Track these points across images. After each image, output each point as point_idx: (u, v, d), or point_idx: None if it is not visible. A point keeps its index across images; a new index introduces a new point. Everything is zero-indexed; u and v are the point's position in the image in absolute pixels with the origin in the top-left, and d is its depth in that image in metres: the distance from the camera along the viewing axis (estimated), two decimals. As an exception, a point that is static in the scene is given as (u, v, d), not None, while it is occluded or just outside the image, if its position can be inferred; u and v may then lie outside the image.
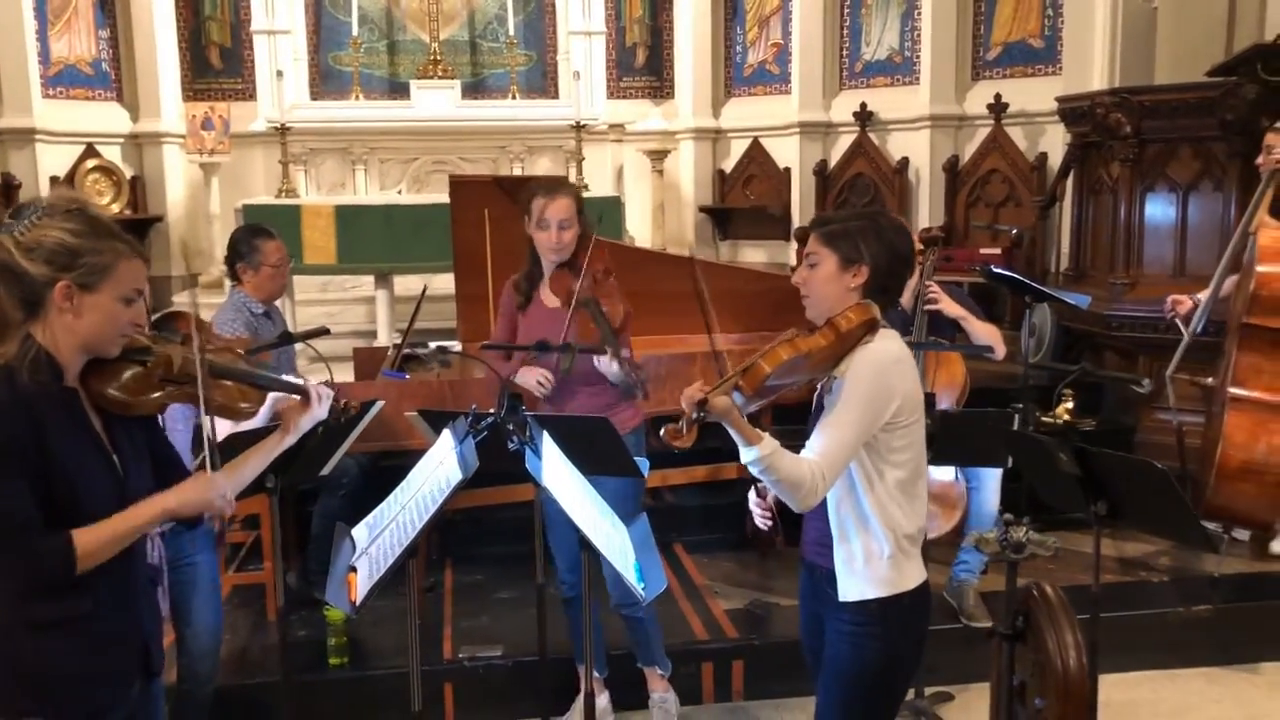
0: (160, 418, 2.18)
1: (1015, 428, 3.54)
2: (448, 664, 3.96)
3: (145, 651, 2.10)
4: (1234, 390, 4.23)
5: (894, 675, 2.47)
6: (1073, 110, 6.04)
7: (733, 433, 2.24)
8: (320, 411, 2.31)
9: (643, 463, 3.11)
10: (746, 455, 2.25)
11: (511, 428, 2.41)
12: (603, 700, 3.80)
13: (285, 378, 2.38)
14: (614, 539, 2.38)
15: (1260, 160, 4.46)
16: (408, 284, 6.59)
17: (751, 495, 2.66)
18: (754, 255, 9.31)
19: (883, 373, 2.32)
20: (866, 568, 2.37)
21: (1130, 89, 5.64)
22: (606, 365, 3.23)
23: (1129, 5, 6.99)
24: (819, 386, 2.49)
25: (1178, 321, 4.45)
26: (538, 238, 3.44)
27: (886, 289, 2.43)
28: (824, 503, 2.37)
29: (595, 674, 3.74)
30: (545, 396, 3.40)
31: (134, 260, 1.99)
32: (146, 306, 2.13)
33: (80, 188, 8.09)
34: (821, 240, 2.43)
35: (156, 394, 2.06)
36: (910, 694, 3.84)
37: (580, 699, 3.63)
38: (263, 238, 4.29)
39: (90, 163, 8.22)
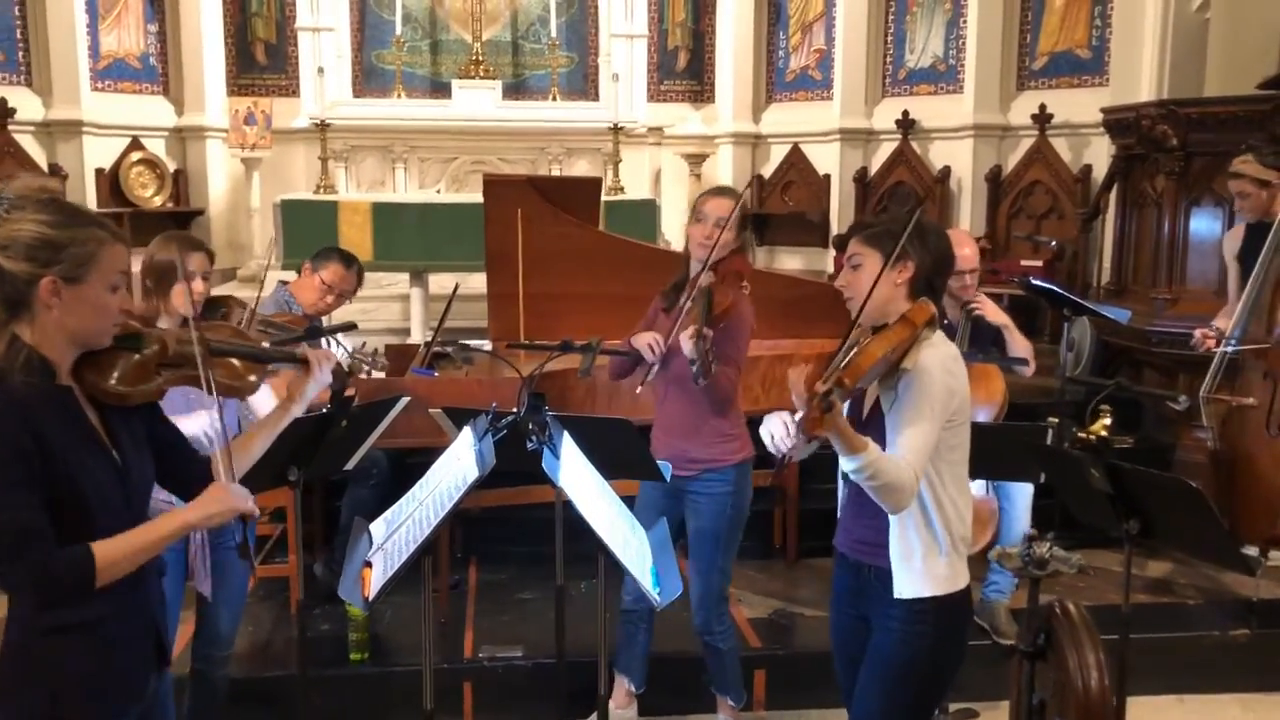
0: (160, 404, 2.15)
1: (1049, 442, 3.47)
2: (468, 662, 3.95)
3: (158, 646, 2.09)
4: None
5: (941, 672, 2.49)
6: (1118, 122, 5.95)
7: (835, 439, 2.21)
8: (324, 377, 2.29)
9: (665, 467, 3.08)
10: (850, 463, 2.24)
11: (531, 427, 2.39)
12: (630, 712, 3.77)
13: (283, 348, 2.35)
14: (631, 544, 2.35)
15: (1237, 205, 4.51)
16: (443, 282, 6.59)
17: (779, 422, 2.55)
18: (791, 262, 9.25)
19: (948, 370, 2.36)
20: (924, 565, 2.38)
21: (1177, 101, 5.55)
22: (685, 339, 3.14)
23: (1180, 16, 6.85)
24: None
25: (1212, 350, 4.40)
26: (690, 232, 3.39)
27: (932, 285, 2.46)
28: (870, 504, 2.36)
29: (629, 685, 3.72)
30: (652, 364, 3.29)
31: (116, 245, 1.93)
32: (130, 289, 2.11)
33: (125, 180, 8.22)
34: (864, 241, 2.47)
35: (154, 381, 2.01)
36: (935, 711, 3.78)
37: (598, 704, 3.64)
38: (339, 259, 4.47)
39: (135, 155, 8.33)
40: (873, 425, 2.40)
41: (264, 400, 3.32)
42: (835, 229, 8.81)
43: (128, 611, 1.98)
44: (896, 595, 2.40)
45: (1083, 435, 4.73)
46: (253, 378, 2.20)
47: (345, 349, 3.43)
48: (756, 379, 4.62)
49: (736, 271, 3.33)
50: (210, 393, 2.01)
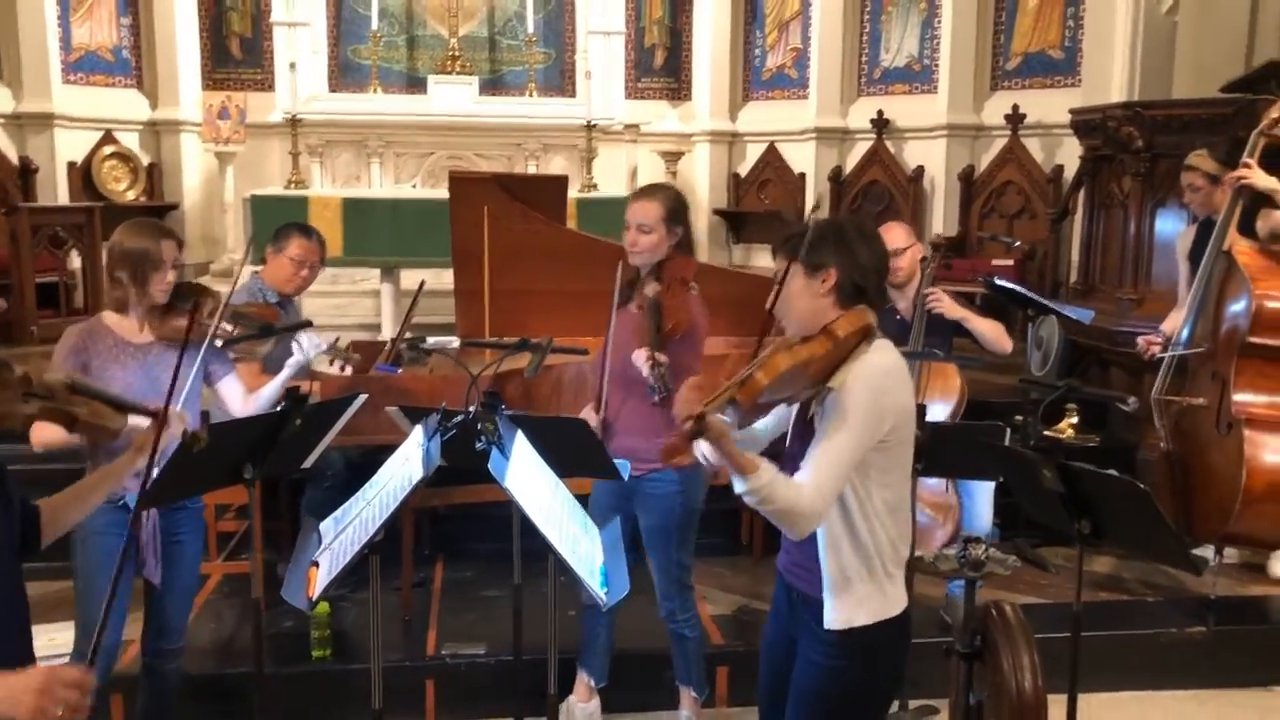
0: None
1: (1006, 442, 3.50)
2: (430, 660, 3.95)
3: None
4: (1244, 413, 4.19)
5: (875, 699, 2.40)
6: (1085, 123, 5.99)
7: (722, 460, 2.10)
8: (174, 430, 2.30)
9: (623, 465, 3.09)
10: (740, 485, 2.12)
11: (480, 427, 2.39)
12: (591, 706, 3.77)
13: (139, 401, 2.36)
14: (581, 543, 2.36)
15: (1186, 199, 4.61)
16: (415, 278, 6.57)
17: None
18: (767, 260, 9.23)
19: (879, 387, 2.20)
20: (856, 592, 2.26)
21: (1142, 103, 5.59)
22: (639, 358, 3.16)
23: (1150, 18, 6.92)
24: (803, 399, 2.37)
25: (1159, 355, 4.47)
26: (625, 238, 3.37)
27: (861, 289, 2.28)
28: None
29: (589, 679, 3.72)
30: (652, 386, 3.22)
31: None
32: None
33: (97, 174, 8.17)
34: (783, 255, 2.31)
35: (22, 408, 1.99)
36: (894, 707, 3.81)
37: (567, 702, 3.65)
38: (298, 232, 4.45)
39: (108, 149, 8.29)
40: (804, 442, 2.27)
41: (234, 392, 3.32)
42: (810, 227, 8.81)
43: None
44: (826, 627, 2.27)
45: (1051, 434, 4.80)
46: (113, 424, 2.20)
47: (304, 347, 3.40)
48: (724, 376, 4.62)
49: (681, 278, 3.30)
50: (72, 431, 2.03)
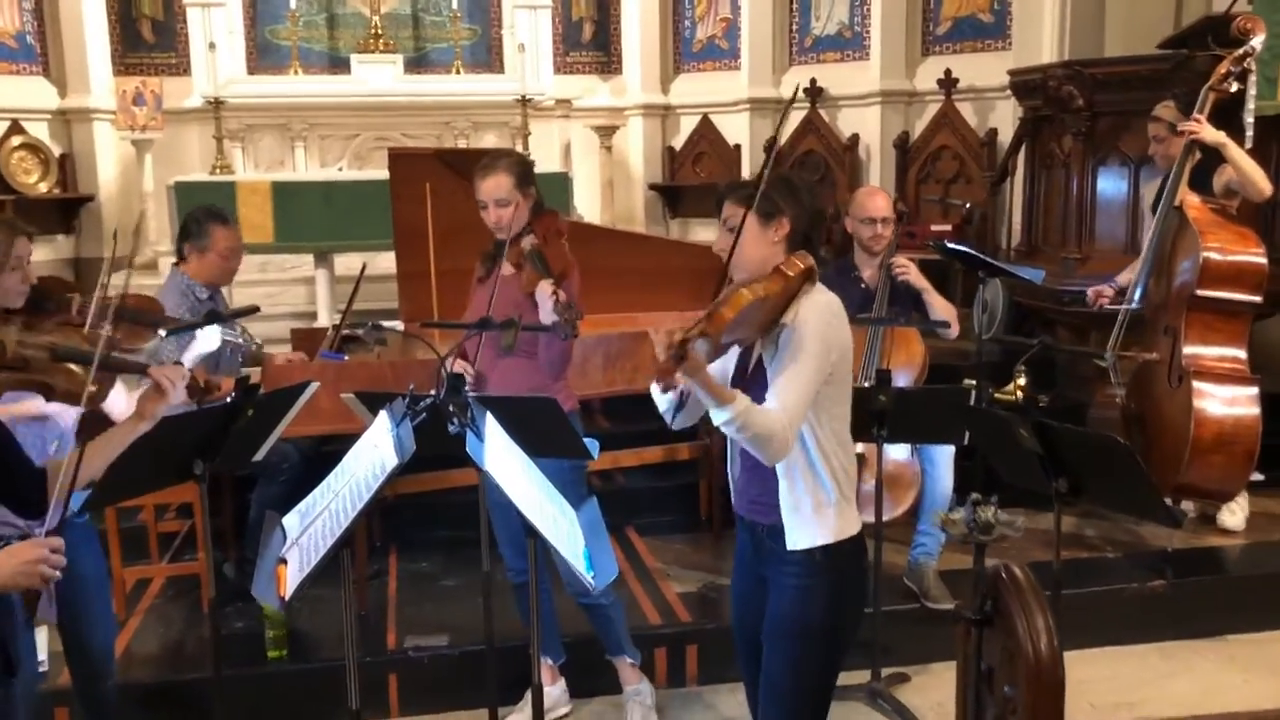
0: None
1: (971, 404, 3.47)
2: (392, 654, 3.83)
3: (4, 656, 1.95)
4: (1193, 365, 4.23)
5: (843, 622, 2.49)
6: (1024, 84, 6.00)
7: (701, 393, 2.23)
8: (176, 396, 2.14)
9: (592, 444, 3.00)
10: (719, 415, 2.24)
11: (452, 409, 2.28)
12: (557, 689, 3.69)
13: (132, 358, 2.19)
14: (561, 525, 2.26)
15: (1151, 150, 4.59)
16: (349, 263, 6.40)
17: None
18: (704, 233, 9.18)
19: (827, 322, 2.36)
20: (815, 515, 2.39)
21: (1082, 61, 5.60)
22: (543, 299, 3.12)
23: (1078, -21, 6.95)
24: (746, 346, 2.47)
25: (1106, 307, 4.48)
26: (483, 217, 3.32)
27: (809, 239, 2.46)
28: (761, 464, 2.37)
29: (549, 661, 3.63)
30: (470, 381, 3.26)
31: None
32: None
33: (6, 166, 7.80)
34: (737, 202, 2.43)
35: None
36: (867, 676, 3.78)
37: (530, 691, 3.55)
38: (217, 223, 4.16)
39: (15, 140, 7.90)
40: (756, 382, 2.40)
41: (119, 403, 3.09)
42: (748, 199, 8.79)
43: None
44: (790, 547, 2.40)
45: (1002, 395, 4.80)
46: (96, 387, 2.03)
47: (239, 339, 3.23)
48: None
49: (556, 230, 3.31)
50: (48, 399, 1.87)
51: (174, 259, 4.36)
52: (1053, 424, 2.65)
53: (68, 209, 8.19)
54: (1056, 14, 7.02)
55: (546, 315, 3.10)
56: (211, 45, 7.82)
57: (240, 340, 3.35)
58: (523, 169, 3.32)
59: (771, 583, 2.49)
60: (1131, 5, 6.52)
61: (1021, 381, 5.28)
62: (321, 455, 4.28)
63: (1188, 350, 4.27)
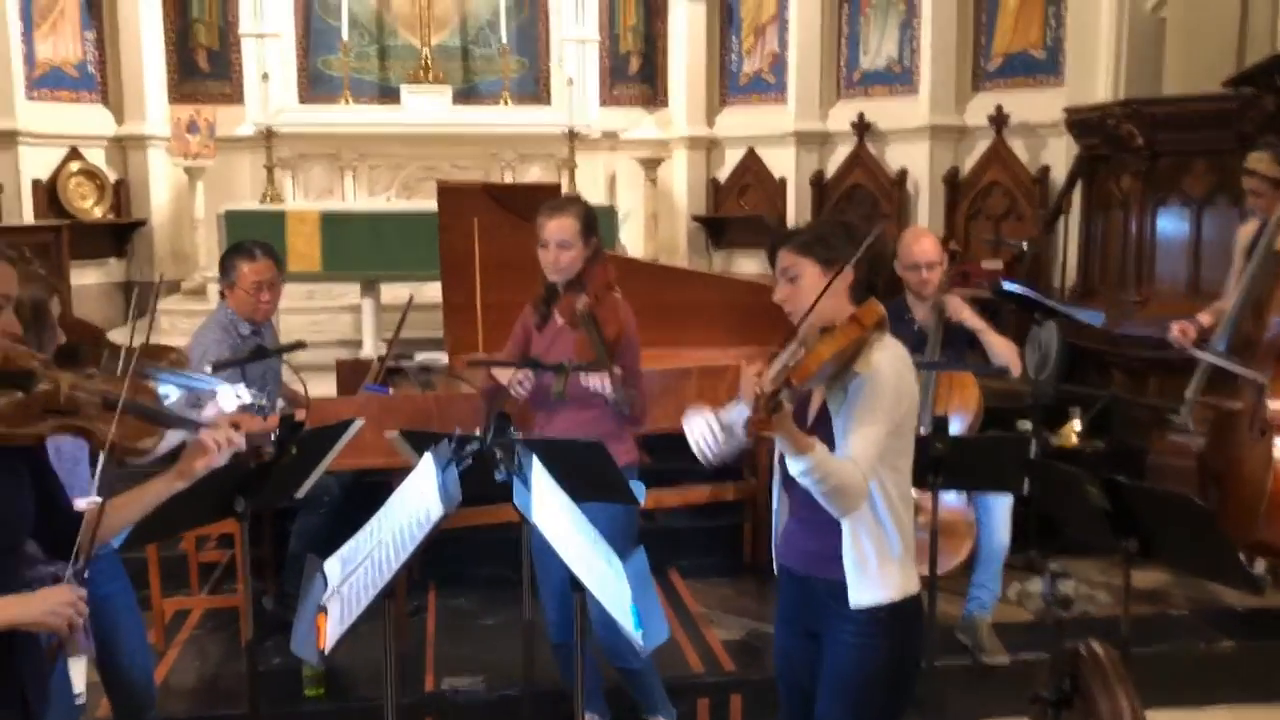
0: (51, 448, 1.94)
1: (1032, 454, 3.35)
2: (428, 695, 3.76)
3: (22, 704, 1.90)
4: (1278, 419, 4.03)
5: (903, 682, 2.43)
6: (1081, 121, 5.89)
7: (783, 443, 2.19)
8: (221, 459, 2.07)
9: (639, 488, 2.92)
10: (797, 465, 2.19)
11: (499, 454, 2.21)
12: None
13: (189, 415, 2.13)
14: (609, 580, 2.18)
15: (1250, 203, 4.30)
16: (395, 293, 6.40)
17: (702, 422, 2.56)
18: (748, 266, 9.13)
19: (900, 372, 2.32)
20: (880, 572, 2.33)
21: (1143, 100, 5.48)
22: (597, 381, 3.12)
23: (1135, 16, 6.83)
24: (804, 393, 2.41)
25: (1188, 348, 4.26)
26: (540, 256, 3.28)
27: (871, 285, 2.42)
28: (821, 514, 2.30)
29: (596, 718, 3.54)
30: (524, 399, 3.26)
31: (2, 265, 1.80)
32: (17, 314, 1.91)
33: (64, 191, 7.92)
34: (796, 251, 2.41)
35: (36, 426, 1.83)
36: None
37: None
38: (242, 258, 4.09)
39: (74, 165, 8.02)
40: (820, 428, 2.34)
41: (227, 404, 3.02)
42: (793, 233, 8.72)
43: None
44: (853, 605, 2.33)
45: (1057, 441, 4.66)
46: (147, 441, 1.97)
47: (411, 360, 3.18)
48: (725, 389, 4.48)
49: (606, 284, 3.27)
50: (102, 450, 1.81)
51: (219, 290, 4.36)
52: (1123, 481, 2.54)
53: (120, 233, 8.29)
54: (1112, 50, 6.90)
55: (610, 394, 3.12)
56: (265, 75, 7.93)
57: (260, 403, 3.18)
58: (590, 216, 3.29)
59: (827, 639, 2.41)
60: (1191, 42, 6.39)
61: (1077, 426, 5.15)
62: (362, 486, 4.25)
63: (1273, 404, 4.08)
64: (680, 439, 2.69)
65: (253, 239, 4.32)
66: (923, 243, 4.13)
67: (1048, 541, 4.61)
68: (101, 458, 1.82)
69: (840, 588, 2.34)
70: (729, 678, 3.89)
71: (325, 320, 7.15)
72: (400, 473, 2.38)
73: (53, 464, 2.03)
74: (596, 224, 3.32)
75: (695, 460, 2.66)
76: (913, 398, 2.38)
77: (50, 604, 1.83)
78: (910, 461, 2.41)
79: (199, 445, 2.07)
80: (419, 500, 2.09)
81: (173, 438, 2.13)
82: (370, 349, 6.39)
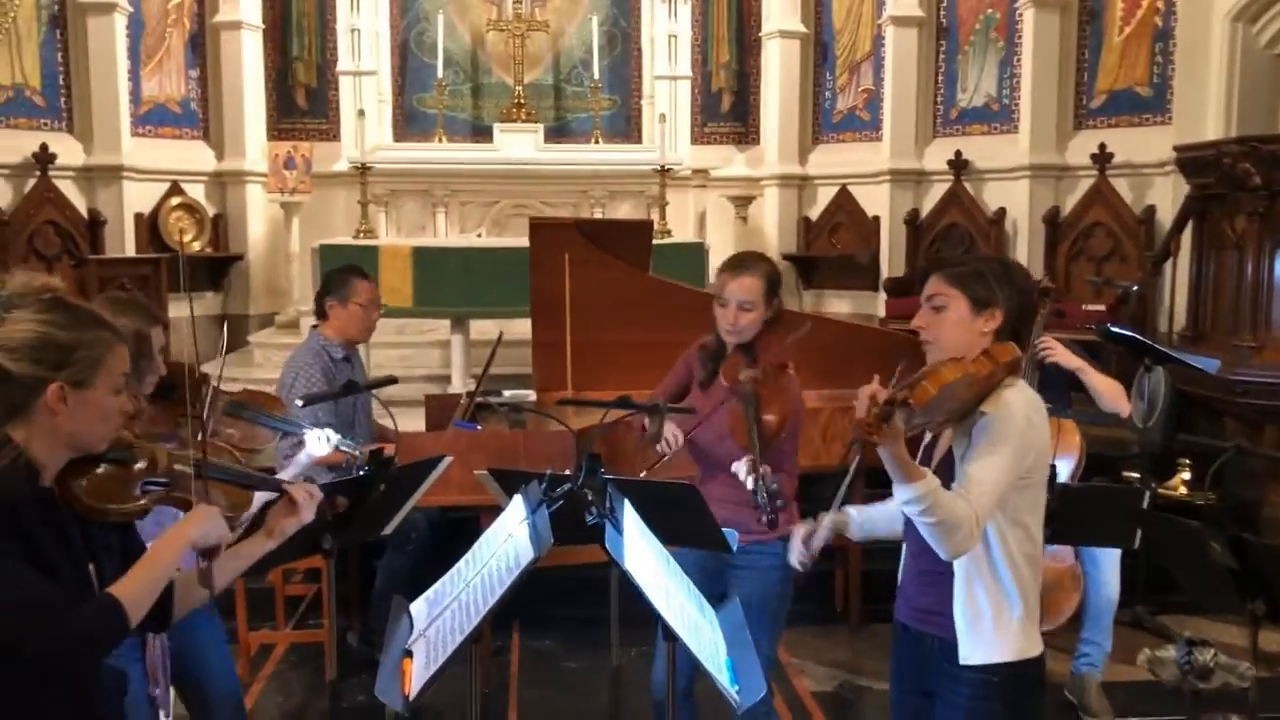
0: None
1: (1145, 506, 3.17)
2: (513, 740, 3.69)
3: None
4: None
5: None
6: (1193, 160, 5.67)
7: (891, 465, 2.05)
8: (306, 516, 2.06)
9: (731, 535, 2.81)
10: (904, 493, 2.06)
11: (590, 497, 2.14)
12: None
13: (277, 477, 2.13)
14: (704, 630, 2.09)
15: None
16: (484, 329, 6.41)
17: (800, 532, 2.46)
18: (839, 305, 8.99)
19: (1031, 419, 2.17)
20: (995, 630, 2.19)
21: (1260, 138, 5.25)
22: (742, 470, 2.81)
23: (1248, 52, 6.59)
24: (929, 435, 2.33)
25: None
26: (716, 312, 3.07)
27: (1017, 334, 2.27)
28: (936, 565, 2.18)
29: None
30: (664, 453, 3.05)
31: (120, 346, 1.82)
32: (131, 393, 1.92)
33: (164, 225, 8.13)
34: (950, 281, 2.26)
35: (138, 501, 1.85)
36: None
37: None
38: (357, 275, 4.25)
39: (174, 200, 8.24)
40: (943, 475, 2.17)
41: (317, 449, 2.99)
42: (885, 272, 8.57)
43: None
44: (963, 662, 2.19)
45: (1165, 491, 4.42)
46: (236, 509, 2.00)
47: (352, 450, 3.01)
48: (817, 431, 4.38)
49: (779, 363, 3.00)
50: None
51: (313, 320, 4.39)
52: (1250, 539, 2.37)
53: (217, 267, 8.47)
54: (1223, 88, 6.65)
55: (746, 484, 2.78)
56: (361, 112, 8.07)
57: (352, 450, 3.08)
58: (775, 277, 3.09)
59: (939, 699, 2.27)
60: (1308, 79, 6.14)
61: (1185, 477, 4.91)
62: (449, 523, 4.21)
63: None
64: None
65: (344, 267, 4.40)
66: None
67: (1153, 596, 4.41)
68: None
69: (950, 645, 2.21)
70: (820, 732, 3.76)
71: (414, 355, 7.19)
72: (488, 510, 2.32)
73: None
74: (780, 287, 3.11)
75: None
76: (1042, 449, 2.21)
77: (212, 515, 1.85)
78: (1040, 520, 2.25)
79: (287, 503, 2.07)
80: (509, 543, 2.03)
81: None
82: (459, 384, 6.40)
